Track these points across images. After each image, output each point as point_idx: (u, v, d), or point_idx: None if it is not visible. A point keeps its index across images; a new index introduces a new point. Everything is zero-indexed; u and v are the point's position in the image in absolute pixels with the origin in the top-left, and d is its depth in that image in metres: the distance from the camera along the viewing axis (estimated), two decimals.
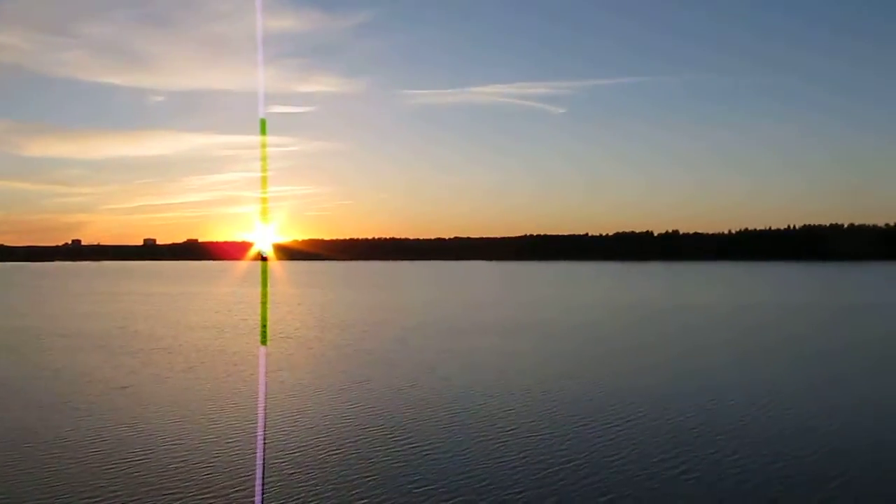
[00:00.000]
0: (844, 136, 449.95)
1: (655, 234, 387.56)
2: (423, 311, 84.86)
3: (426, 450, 24.45)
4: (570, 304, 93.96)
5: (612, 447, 24.73)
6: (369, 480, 21.08)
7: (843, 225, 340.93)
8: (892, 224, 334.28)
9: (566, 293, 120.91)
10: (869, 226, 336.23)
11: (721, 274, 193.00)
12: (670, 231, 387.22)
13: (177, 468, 22.26)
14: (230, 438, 25.82)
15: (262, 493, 6.43)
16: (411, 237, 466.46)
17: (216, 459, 23.16)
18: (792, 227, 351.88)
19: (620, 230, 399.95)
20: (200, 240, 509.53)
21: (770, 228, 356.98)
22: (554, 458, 23.35)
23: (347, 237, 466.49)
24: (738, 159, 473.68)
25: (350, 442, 25.48)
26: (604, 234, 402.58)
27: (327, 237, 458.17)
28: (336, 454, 23.93)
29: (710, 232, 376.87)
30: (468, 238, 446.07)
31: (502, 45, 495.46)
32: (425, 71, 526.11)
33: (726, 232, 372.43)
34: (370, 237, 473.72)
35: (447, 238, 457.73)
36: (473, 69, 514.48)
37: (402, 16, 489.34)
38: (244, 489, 20.13)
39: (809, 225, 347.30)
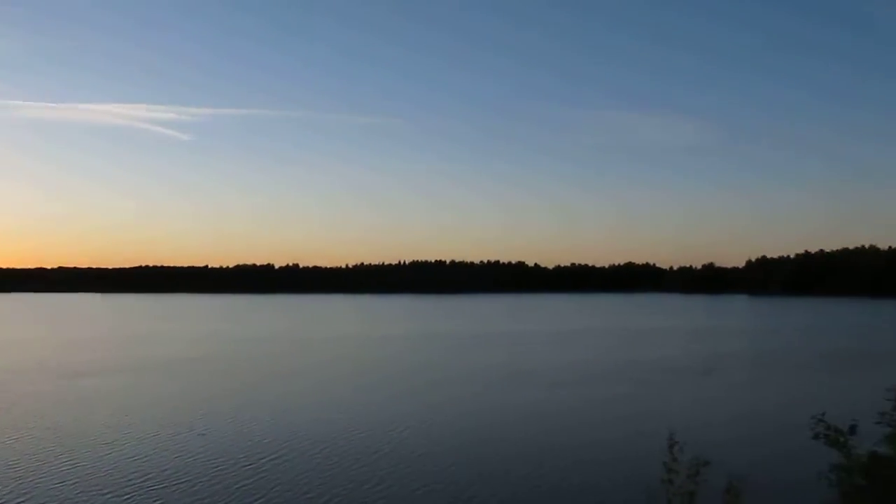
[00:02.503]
0: (464, 170, 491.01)
1: (277, 267, 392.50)
2: (20, 352, 75.76)
3: None
4: (187, 338, 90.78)
5: (258, 486, 24.71)
6: None
7: (445, 261, 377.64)
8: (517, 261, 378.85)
9: (183, 327, 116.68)
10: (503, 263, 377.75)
11: (338, 307, 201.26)
12: (291, 264, 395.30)
13: None
14: None
15: None
16: (6, 266, 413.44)
17: None
18: (404, 262, 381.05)
19: (242, 262, 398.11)
20: None
21: (384, 263, 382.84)
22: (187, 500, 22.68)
23: None
24: (363, 194, 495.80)
25: None
26: (225, 266, 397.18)
27: None
28: None
29: (330, 266, 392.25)
30: (75, 268, 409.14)
31: (121, 62, 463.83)
32: (32, 81, 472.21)
33: (345, 266, 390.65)
34: None
35: (50, 268, 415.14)
36: (87, 84, 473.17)
37: (7, 19, 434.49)
38: None
39: (418, 261, 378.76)
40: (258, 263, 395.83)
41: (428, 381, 52.06)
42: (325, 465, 27.77)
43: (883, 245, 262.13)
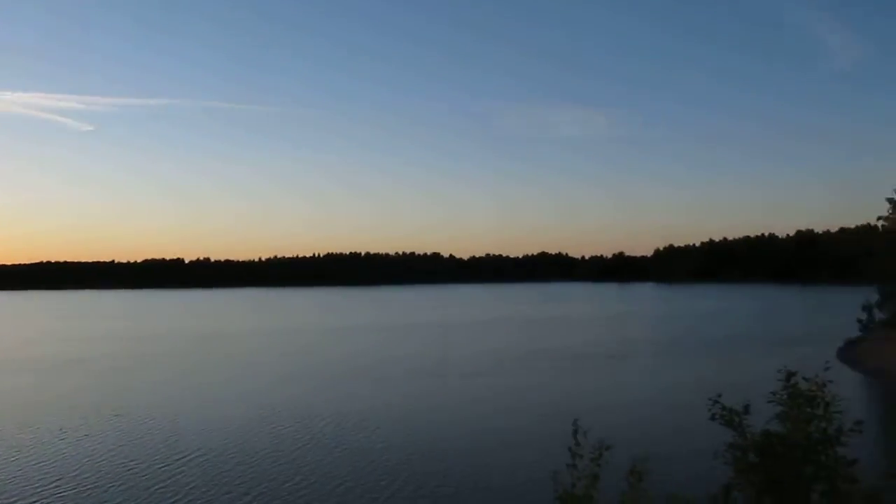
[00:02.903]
0: (381, 162, 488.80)
1: (188, 261, 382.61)
2: None
3: None
4: (87, 337, 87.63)
5: (174, 487, 24.27)
6: None
7: (360, 253, 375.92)
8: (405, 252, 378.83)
9: (81, 325, 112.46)
10: (382, 254, 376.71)
11: (246, 301, 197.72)
12: (203, 258, 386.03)
13: None
14: None
15: None
16: None
17: None
18: (318, 254, 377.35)
19: (151, 257, 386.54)
20: None
21: (297, 256, 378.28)
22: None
23: None
24: (278, 185, 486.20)
25: None
26: (132, 260, 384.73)
27: None
28: None
29: (244, 259, 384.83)
30: None
31: (21, 50, 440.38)
32: None
33: (258, 259, 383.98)
34: None
35: None
36: None
37: None
38: None
39: (333, 253, 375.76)
40: (168, 258, 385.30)
41: (336, 375, 52.00)
42: (247, 461, 27.53)
43: (781, 233, 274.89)
